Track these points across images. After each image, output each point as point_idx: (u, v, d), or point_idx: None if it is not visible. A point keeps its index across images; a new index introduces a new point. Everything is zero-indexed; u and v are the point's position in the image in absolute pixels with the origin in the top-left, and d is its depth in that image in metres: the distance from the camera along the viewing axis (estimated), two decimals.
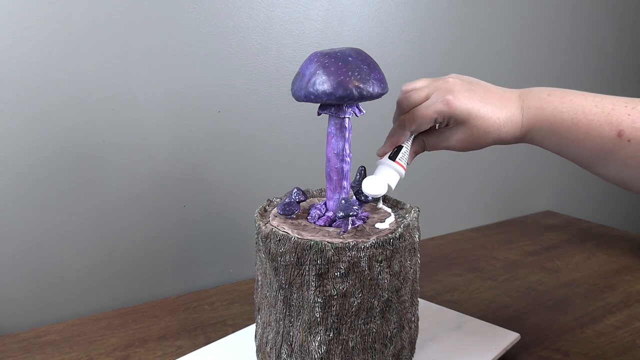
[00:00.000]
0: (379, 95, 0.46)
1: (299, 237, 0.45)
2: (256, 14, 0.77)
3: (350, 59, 0.45)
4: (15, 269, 0.66)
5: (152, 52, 0.70)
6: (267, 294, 0.48)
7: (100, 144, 0.69)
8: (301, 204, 0.53)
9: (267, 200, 0.54)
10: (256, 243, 0.49)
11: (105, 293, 0.73)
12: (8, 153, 0.64)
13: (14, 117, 0.63)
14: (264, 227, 0.47)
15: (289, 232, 0.46)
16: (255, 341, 0.53)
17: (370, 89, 0.45)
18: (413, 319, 0.51)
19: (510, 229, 1.08)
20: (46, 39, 0.63)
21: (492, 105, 0.50)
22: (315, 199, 0.56)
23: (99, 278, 0.72)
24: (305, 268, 0.44)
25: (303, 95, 0.46)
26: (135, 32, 0.69)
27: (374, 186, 0.51)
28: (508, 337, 0.59)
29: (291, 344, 0.46)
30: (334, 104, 0.47)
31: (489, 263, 0.88)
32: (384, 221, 0.49)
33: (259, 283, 0.50)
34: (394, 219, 0.51)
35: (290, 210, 0.49)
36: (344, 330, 0.45)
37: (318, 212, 0.50)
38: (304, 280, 0.44)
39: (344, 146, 0.48)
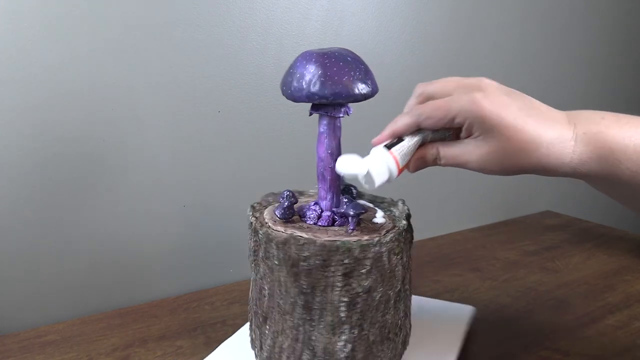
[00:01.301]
0: (373, 95, 0.46)
1: (326, 239, 0.44)
2: (256, 14, 0.77)
3: (349, 59, 0.45)
4: (15, 268, 0.66)
5: (152, 51, 0.70)
6: (280, 302, 0.47)
7: (100, 144, 0.69)
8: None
9: (256, 204, 0.53)
10: (256, 253, 0.48)
11: (105, 293, 0.73)
12: (8, 153, 0.64)
13: (14, 117, 0.63)
14: (276, 234, 0.45)
15: (304, 235, 0.45)
16: (261, 352, 0.50)
17: (370, 89, 0.46)
18: (409, 305, 0.53)
19: (510, 229, 1.08)
20: (46, 39, 0.63)
21: (534, 120, 0.41)
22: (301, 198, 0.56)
23: (99, 278, 0.72)
24: (330, 269, 0.44)
25: (305, 95, 0.45)
26: (135, 32, 0.69)
27: (346, 163, 0.43)
28: (464, 312, 0.62)
29: (313, 349, 0.45)
30: (330, 104, 0.47)
31: (489, 263, 0.88)
32: (377, 216, 0.50)
33: (266, 292, 0.48)
34: (383, 212, 0.51)
35: (291, 214, 0.49)
36: (365, 326, 0.46)
37: (315, 213, 0.50)
38: (328, 282, 0.44)
39: (337, 145, 0.49)
